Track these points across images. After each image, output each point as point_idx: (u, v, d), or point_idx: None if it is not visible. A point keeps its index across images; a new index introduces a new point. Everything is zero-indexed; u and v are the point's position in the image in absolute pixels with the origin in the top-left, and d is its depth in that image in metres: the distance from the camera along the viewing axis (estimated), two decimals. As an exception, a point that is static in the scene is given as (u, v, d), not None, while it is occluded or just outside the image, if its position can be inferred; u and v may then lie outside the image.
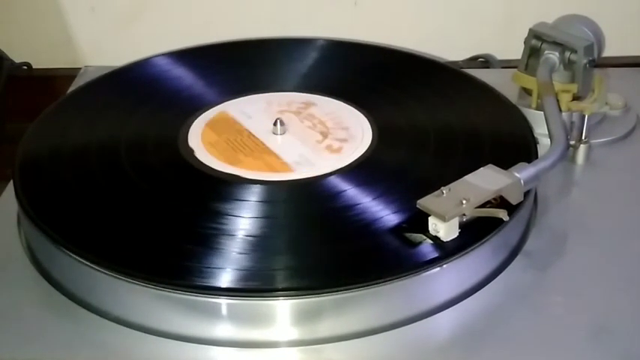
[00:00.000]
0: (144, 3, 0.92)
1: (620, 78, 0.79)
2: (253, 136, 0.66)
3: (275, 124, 0.66)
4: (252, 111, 0.70)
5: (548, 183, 0.65)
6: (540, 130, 0.67)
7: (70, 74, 0.87)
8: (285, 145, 0.65)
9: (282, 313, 0.52)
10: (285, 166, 0.62)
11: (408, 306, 0.53)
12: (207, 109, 0.70)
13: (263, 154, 0.64)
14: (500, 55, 0.91)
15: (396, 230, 0.55)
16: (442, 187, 0.55)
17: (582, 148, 0.68)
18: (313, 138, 0.66)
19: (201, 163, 0.63)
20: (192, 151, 0.64)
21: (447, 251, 0.53)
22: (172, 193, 0.60)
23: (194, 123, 0.68)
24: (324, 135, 0.66)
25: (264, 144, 0.65)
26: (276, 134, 0.66)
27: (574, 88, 0.70)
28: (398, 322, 0.53)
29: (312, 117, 0.69)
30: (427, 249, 0.53)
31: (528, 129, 0.66)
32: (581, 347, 0.51)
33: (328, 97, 0.72)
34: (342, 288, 0.51)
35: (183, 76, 0.76)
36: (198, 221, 0.57)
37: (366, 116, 0.68)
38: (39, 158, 0.65)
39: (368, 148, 0.64)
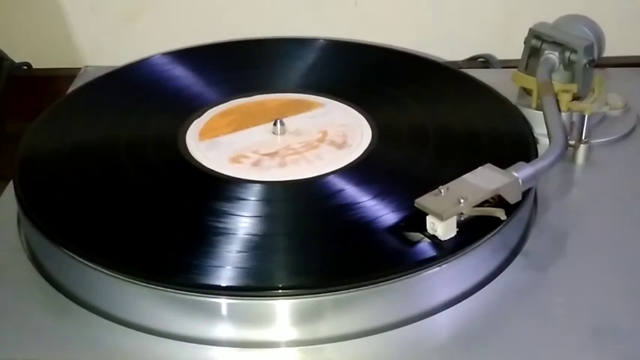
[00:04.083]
0: (144, 3, 0.92)
1: (620, 78, 0.79)
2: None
3: (275, 124, 0.67)
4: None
5: (548, 183, 0.65)
6: (540, 130, 0.66)
7: (70, 74, 0.87)
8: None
9: (282, 312, 0.52)
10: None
11: (407, 306, 0.53)
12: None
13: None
14: (500, 55, 0.91)
15: (395, 229, 0.55)
16: (440, 186, 0.55)
17: (582, 148, 0.68)
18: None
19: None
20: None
21: (445, 250, 0.53)
22: (172, 193, 0.60)
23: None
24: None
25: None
26: (276, 134, 0.66)
27: (574, 88, 0.70)
28: (398, 322, 0.53)
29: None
30: (425, 247, 0.53)
31: (528, 129, 0.66)
32: (581, 347, 0.51)
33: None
34: (341, 288, 0.51)
35: (183, 75, 0.76)
36: (197, 220, 0.57)
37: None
38: (39, 158, 0.65)
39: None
